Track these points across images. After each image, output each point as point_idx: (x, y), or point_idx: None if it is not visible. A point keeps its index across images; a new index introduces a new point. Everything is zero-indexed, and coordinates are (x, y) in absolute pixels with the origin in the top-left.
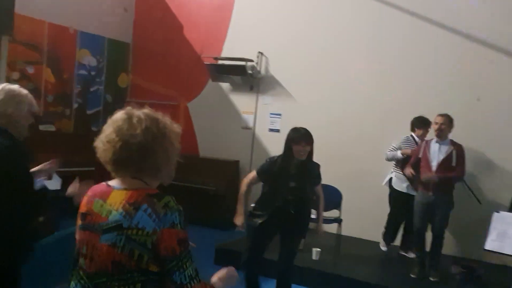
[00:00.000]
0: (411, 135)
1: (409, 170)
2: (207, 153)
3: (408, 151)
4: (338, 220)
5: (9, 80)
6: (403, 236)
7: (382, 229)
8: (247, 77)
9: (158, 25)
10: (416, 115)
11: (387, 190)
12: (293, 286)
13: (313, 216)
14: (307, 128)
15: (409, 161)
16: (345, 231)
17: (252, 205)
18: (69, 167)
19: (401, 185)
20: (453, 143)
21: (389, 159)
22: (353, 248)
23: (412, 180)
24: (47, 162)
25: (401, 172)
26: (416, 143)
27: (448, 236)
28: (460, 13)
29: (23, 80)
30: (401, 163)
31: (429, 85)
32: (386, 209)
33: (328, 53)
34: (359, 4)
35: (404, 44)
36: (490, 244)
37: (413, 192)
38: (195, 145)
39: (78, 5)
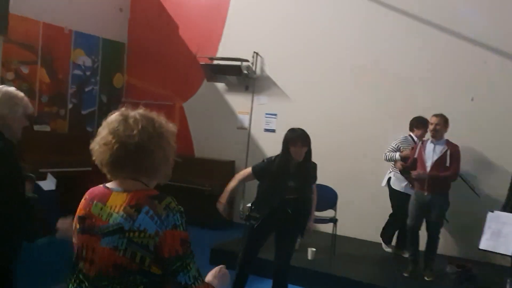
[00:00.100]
0: (410, 135)
1: (399, 164)
2: (202, 153)
3: (407, 152)
4: (333, 220)
5: (3, 80)
6: (399, 235)
7: (377, 229)
8: (242, 77)
9: (153, 25)
10: (411, 115)
11: (382, 190)
12: (289, 286)
13: None
14: (303, 127)
15: (407, 162)
16: (340, 231)
17: (248, 205)
18: (64, 168)
19: (400, 185)
20: (448, 143)
21: (388, 160)
22: (348, 248)
23: (409, 178)
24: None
25: (399, 172)
26: (415, 143)
27: (443, 236)
28: (455, 14)
29: (17, 80)
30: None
31: (424, 85)
32: (382, 208)
33: (324, 53)
34: (355, 4)
35: (400, 44)
36: (485, 243)
37: (411, 192)
38: (190, 145)
39: (73, 5)
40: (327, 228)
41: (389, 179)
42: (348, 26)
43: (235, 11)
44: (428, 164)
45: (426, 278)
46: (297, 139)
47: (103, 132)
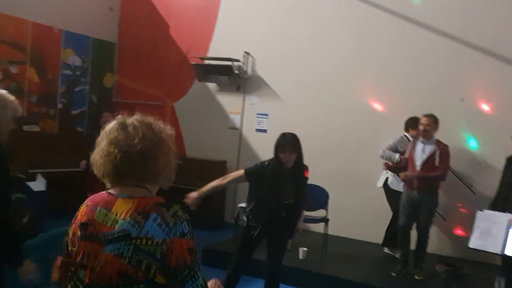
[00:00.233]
0: (405, 135)
1: (383, 164)
2: (193, 153)
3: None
4: (324, 220)
5: None
6: (390, 234)
7: (368, 228)
8: (233, 77)
9: (144, 25)
10: (401, 115)
11: (373, 189)
12: (280, 286)
13: None
14: (294, 128)
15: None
16: (331, 231)
17: (240, 205)
18: (54, 168)
19: (398, 185)
20: (438, 143)
21: (384, 158)
22: (339, 247)
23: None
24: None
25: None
26: None
27: (432, 235)
28: (445, 16)
29: (6, 80)
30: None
31: (414, 86)
32: (373, 208)
33: (315, 52)
34: (345, 5)
35: (390, 45)
36: (474, 242)
37: None
38: (181, 145)
39: (62, 4)
40: (319, 227)
41: (386, 179)
42: (338, 27)
43: (226, 11)
44: (418, 164)
45: (416, 277)
46: (286, 146)
47: (103, 143)
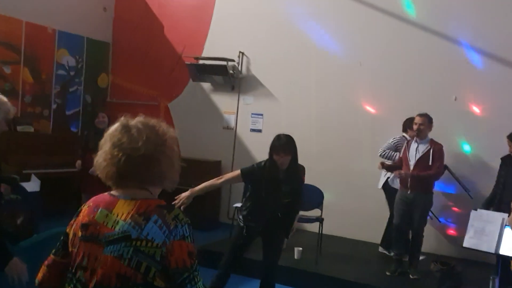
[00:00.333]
0: (404, 136)
1: (380, 165)
2: (188, 153)
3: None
4: (319, 219)
5: None
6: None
7: (364, 228)
8: (228, 77)
9: (138, 25)
10: (396, 115)
11: (368, 189)
12: (276, 286)
13: None
14: (289, 128)
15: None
16: (326, 230)
17: (236, 205)
18: (48, 169)
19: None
20: (432, 142)
21: (385, 157)
22: (334, 247)
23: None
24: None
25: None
26: None
27: (427, 234)
28: (438, 15)
29: (0, 80)
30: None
31: (409, 86)
32: (368, 207)
33: (309, 53)
34: (341, 5)
35: (384, 44)
36: (468, 241)
37: None
38: None
39: (56, 4)
40: (313, 227)
41: (386, 180)
42: (333, 27)
43: (221, 11)
44: (412, 163)
45: (411, 276)
46: (279, 149)
47: (106, 146)
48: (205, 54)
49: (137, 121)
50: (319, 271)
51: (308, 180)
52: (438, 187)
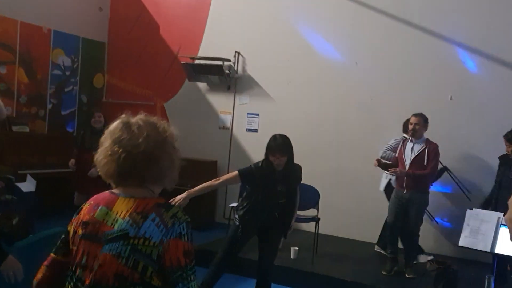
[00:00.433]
0: (404, 136)
1: (376, 162)
2: (184, 153)
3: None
4: (315, 219)
5: None
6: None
7: (360, 227)
8: (224, 77)
9: (134, 25)
10: (392, 114)
11: (365, 189)
12: (272, 285)
13: None
14: (285, 127)
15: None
16: (322, 230)
17: (232, 205)
18: (44, 169)
19: None
20: (428, 142)
21: (385, 158)
22: (330, 246)
23: None
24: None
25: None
26: None
27: (423, 233)
28: (434, 15)
29: None
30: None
31: (404, 85)
32: (364, 207)
33: (305, 52)
34: (337, 5)
35: (380, 44)
36: (464, 240)
37: None
38: None
39: (51, 4)
40: (310, 227)
41: (389, 182)
42: (330, 27)
43: (217, 11)
44: (407, 163)
45: (407, 275)
46: (275, 149)
47: (107, 142)
48: (201, 54)
49: (137, 118)
50: (315, 270)
51: (304, 179)
52: (435, 187)
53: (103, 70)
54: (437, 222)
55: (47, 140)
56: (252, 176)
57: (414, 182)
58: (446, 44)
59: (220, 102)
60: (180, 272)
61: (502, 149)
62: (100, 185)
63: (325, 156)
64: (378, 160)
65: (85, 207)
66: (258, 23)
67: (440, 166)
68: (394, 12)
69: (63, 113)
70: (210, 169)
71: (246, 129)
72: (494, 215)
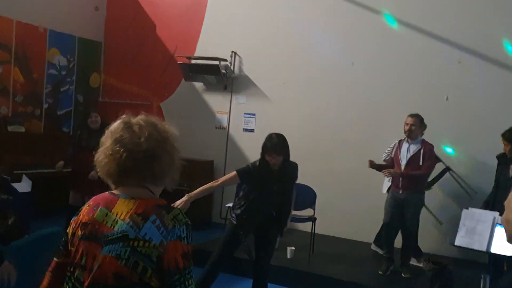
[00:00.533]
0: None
1: (368, 163)
2: (181, 153)
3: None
4: (312, 219)
5: None
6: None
7: (356, 227)
8: (221, 76)
9: (130, 24)
10: (389, 115)
11: (361, 188)
12: (268, 285)
13: None
14: (282, 127)
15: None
16: (319, 230)
17: (228, 205)
18: (39, 169)
19: None
20: (423, 142)
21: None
22: (327, 246)
23: None
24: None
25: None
26: None
27: (420, 233)
28: (430, 15)
29: None
30: None
31: (400, 85)
32: (360, 207)
33: (302, 52)
34: (333, 5)
35: (376, 45)
36: (460, 240)
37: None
38: None
39: (47, 3)
40: (306, 226)
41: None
42: (327, 27)
43: (213, 10)
44: (403, 163)
45: (403, 275)
46: (271, 149)
47: (107, 142)
48: (197, 53)
49: (138, 118)
50: (312, 270)
51: (300, 179)
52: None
53: (99, 69)
54: (440, 223)
55: (43, 140)
56: (250, 175)
57: (410, 182)
58: (442, 44)
59: (216, 102)
60: (177, 276)
61: (500, 148)
62: (96, 184)
63: (322, 156)
64: (371, 161)
65: (84, 208)
66: (255, 23)
67: (442, 166)
68: (390, 12)
69: (59, 112)
70: (206, 169)
71: (243, 129)
72: (490, 215)
